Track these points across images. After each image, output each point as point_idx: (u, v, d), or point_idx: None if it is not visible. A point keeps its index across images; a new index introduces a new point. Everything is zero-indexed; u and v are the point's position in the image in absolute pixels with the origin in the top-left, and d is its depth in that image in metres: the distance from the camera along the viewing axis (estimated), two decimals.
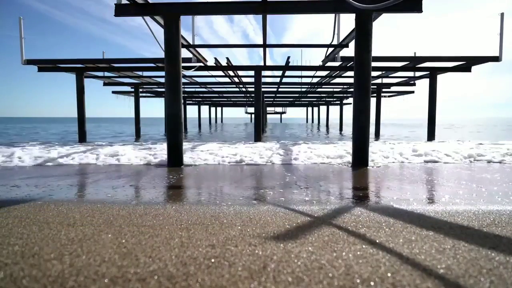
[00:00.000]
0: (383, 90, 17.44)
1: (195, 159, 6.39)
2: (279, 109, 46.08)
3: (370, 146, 5.94)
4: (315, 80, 14.18)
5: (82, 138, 11.37)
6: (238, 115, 63.38)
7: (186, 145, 8.27)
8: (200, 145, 8.89)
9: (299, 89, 18.16)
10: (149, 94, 20.30)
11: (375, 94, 16.39)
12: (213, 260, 1.75)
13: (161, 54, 6.50)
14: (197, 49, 8.64)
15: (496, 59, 9.17)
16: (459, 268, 1.65)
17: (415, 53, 9.83)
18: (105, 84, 14.99)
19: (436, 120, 12.03)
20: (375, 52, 6.50)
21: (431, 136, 11.78)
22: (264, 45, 8.34)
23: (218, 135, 18.29)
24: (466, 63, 10.72)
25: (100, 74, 12.33)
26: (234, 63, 10.71)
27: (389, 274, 1.58)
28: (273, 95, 20.57)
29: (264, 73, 12.86)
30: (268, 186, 4.02)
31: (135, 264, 1.70)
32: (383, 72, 12.10)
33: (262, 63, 11.06)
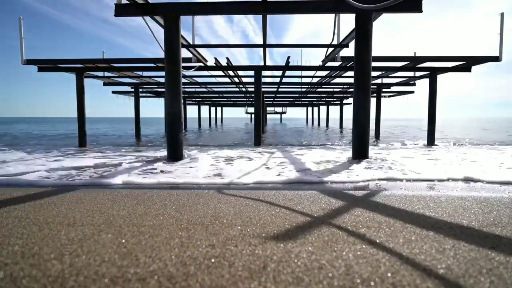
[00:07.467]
0: (383, 90, 17.43)
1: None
2: (279, 109, 46.08)
3: None
4: (315, 80, 14.17)
5: (82, 139, 11.28)
6: (238, 115, 63.33)
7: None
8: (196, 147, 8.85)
9: (299, 89, 18.15)
10: (149, 94, 20.30)
11: (375, 94, 16.38)
12: (213, 260, 1.75)
13: (161, 54, 6.50)
14: (197, 49, 8.64)
15: (496, 59, 9.17)
16: (459, 268, 1.65)
17: (415, 53, 9.82)
18: (105, 84, 14.99)
19: (436, 119, 11.98)
20: (375, 53, 6.51)
21: (431, 139, 11.68)
22: (264, 45, 8.34)
23: (216, 137, 18.28)
24: (466, 63, 10.71)
25: (100, 74, 12.32)
26: (234, 63, 10.70)
27: (389, 274, 1.58)
28: (273, 95, 20.55)
29: (264, 73, 12.86)
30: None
31: (135, 264, 1.70)
32: (383, 72, 12.09)
33: (262, 63, 11.06)
